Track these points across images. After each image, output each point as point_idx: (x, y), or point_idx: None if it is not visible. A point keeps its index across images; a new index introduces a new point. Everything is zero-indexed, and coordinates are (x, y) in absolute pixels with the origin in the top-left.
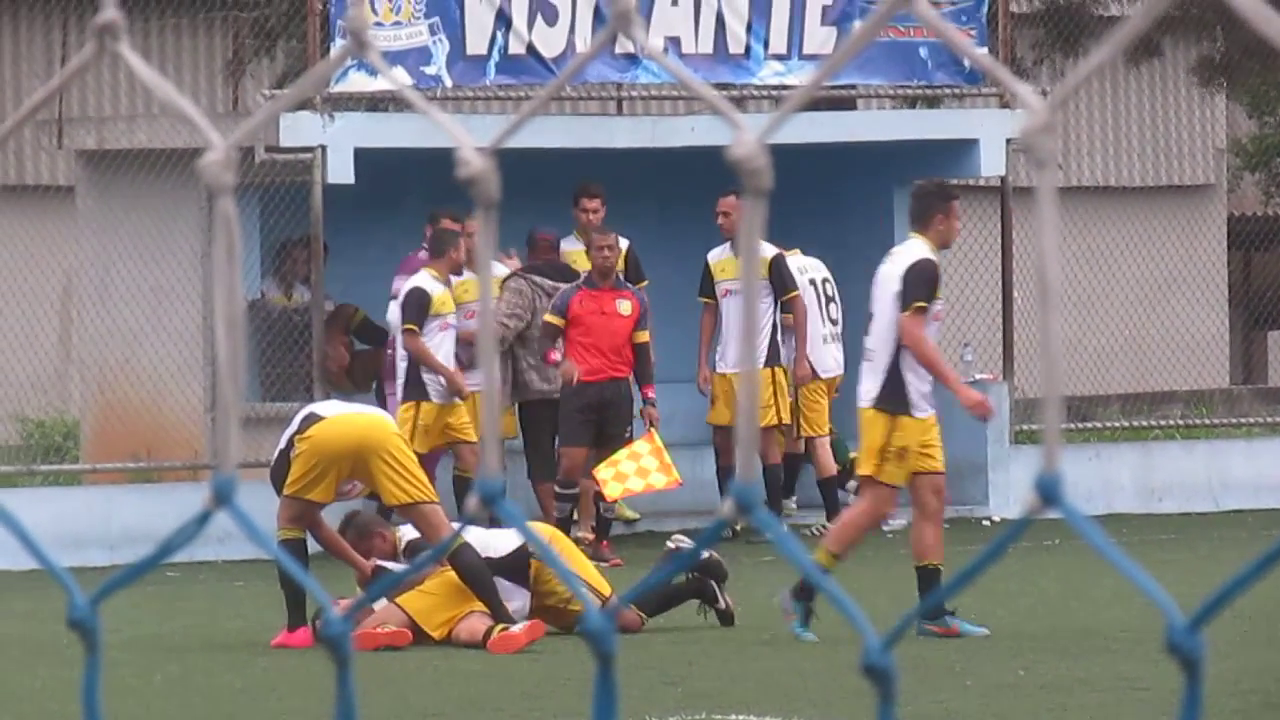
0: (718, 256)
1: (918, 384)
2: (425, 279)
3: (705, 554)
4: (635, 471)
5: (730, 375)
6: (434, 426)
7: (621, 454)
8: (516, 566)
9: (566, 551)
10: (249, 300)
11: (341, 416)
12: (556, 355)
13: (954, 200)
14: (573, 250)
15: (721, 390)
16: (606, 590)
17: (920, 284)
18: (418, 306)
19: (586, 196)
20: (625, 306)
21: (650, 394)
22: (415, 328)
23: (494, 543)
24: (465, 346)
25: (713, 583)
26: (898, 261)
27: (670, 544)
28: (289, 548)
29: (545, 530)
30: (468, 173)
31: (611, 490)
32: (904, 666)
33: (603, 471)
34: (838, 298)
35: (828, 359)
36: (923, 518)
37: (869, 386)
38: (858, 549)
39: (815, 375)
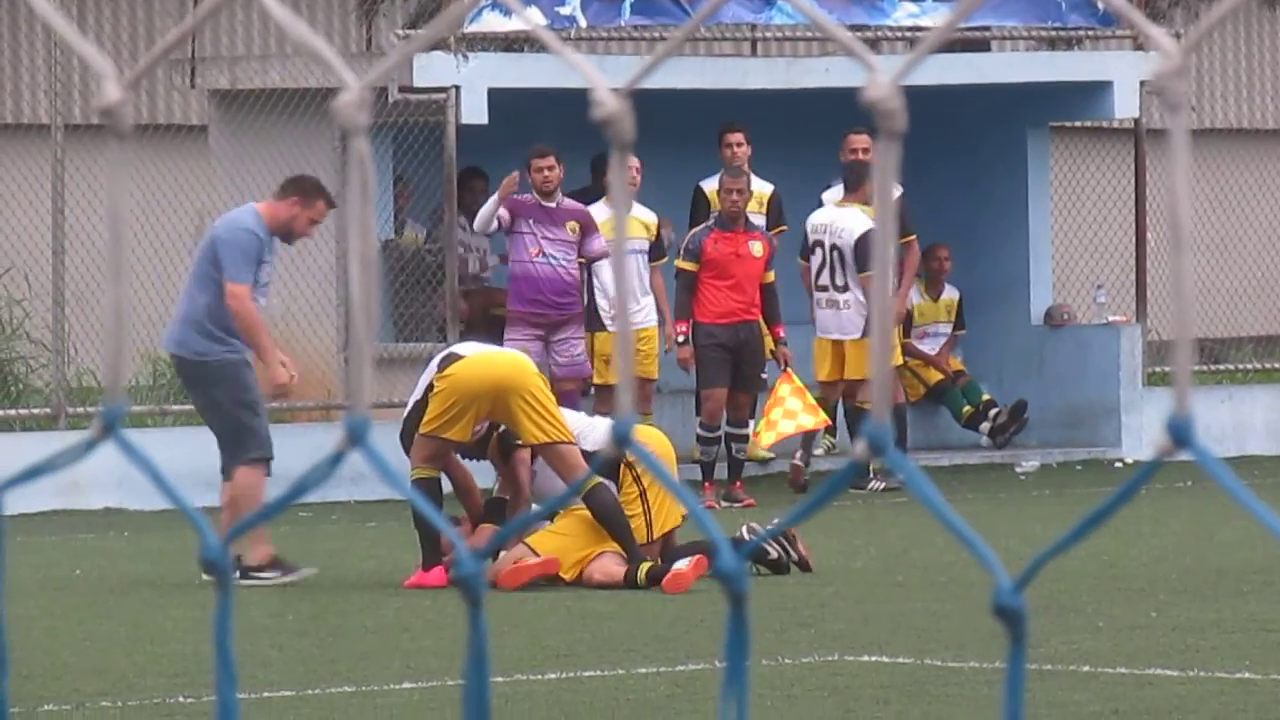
0: (835, 197)
1: None
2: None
3: (773, 554)
4: (784, 415)
5: None
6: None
7: (772, 410)
8: (609, 463)
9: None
10: (382, 241)
11: (481, 356)
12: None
13: None
14: (715, 190)
15: None
16: (676, 520)
17: None
18: None
19: (730, 131)
20: (757, 248)
21: (781, 334)
22: None
23: (595, 434)
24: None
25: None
26: None
27: (743, 532)
28: (423, 487)
29: (654, 437)
30: (603, 114)
31: (765, 438)
32: (1036, 608)
33: (757, 426)
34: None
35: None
36: None
37: None
38: (992, 491)
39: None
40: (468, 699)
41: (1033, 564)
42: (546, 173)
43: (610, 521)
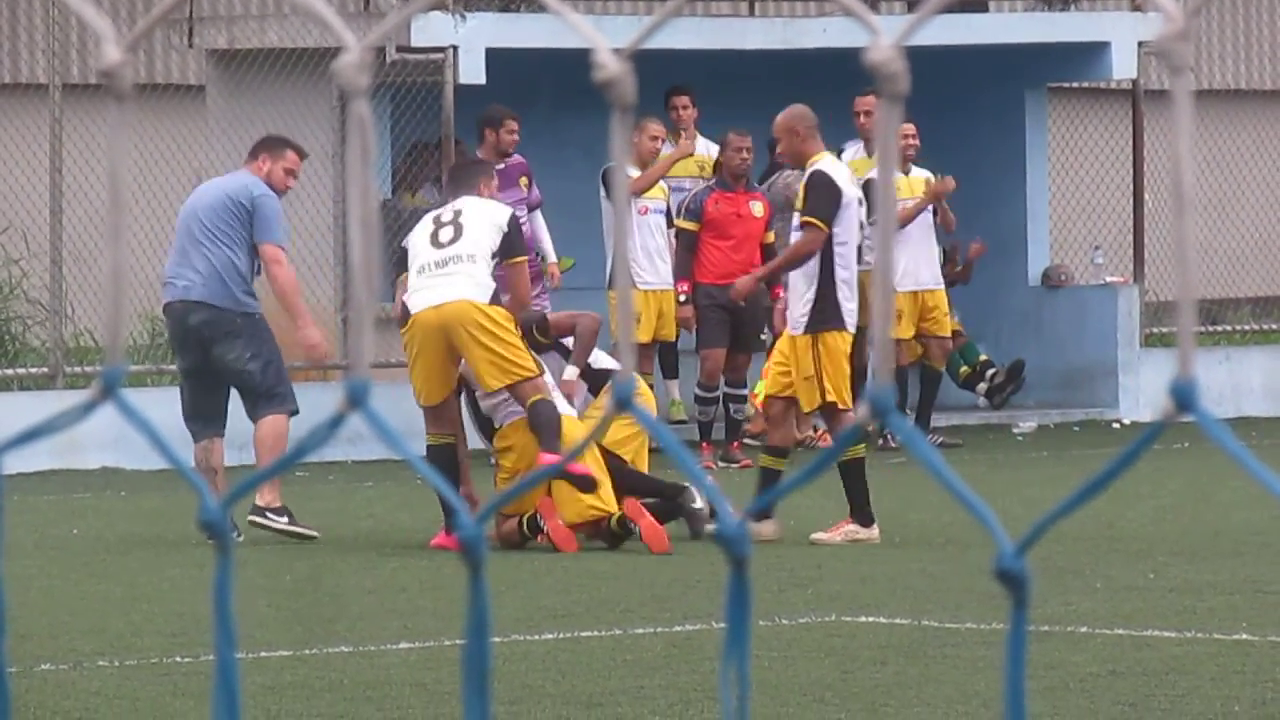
0: (850, 156)
1: None
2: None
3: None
4: None
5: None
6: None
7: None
8: (599, 380)
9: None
10: (380, 201)
11: (421, 315)
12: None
13: None
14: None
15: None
16: (613, 508)
17: None
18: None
19: (676, 94)
20: (758, 208)
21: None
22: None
23: (601, 359)
24: None
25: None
26: None
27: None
28: (432, 454)
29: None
30: (605, 76)
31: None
32: (1033, 570)
33: (755, 390)
34: None
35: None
36: None
37: None
38: (989, 452)
39: None
40: (468, 662)
41: (1035, 527)
42: (516, 135)
43: (542, 428)
